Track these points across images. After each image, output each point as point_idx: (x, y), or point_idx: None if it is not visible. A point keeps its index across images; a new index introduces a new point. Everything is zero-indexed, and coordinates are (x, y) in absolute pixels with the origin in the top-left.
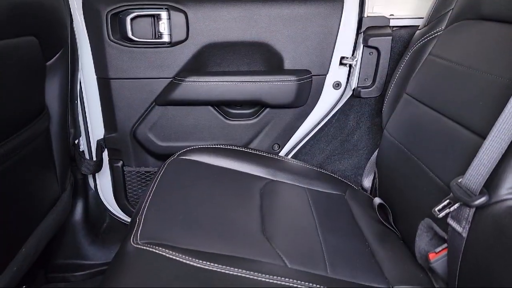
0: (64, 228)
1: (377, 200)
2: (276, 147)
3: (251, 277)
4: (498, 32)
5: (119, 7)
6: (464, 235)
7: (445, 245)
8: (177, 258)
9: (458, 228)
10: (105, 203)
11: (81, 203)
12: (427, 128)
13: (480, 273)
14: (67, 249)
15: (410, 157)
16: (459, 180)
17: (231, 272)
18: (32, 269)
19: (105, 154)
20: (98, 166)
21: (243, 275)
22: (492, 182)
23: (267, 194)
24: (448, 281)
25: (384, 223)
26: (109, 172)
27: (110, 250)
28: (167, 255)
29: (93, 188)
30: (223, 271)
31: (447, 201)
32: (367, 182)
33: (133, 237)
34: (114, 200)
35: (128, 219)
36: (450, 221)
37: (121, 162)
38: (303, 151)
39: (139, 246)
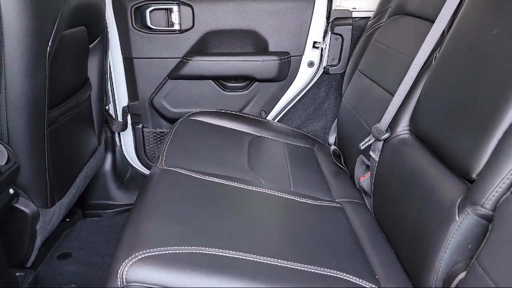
0: (97, 176)
1: (332, 147)
2: (263, 113)
3: (239, 186)
4: (413, 25)
5: (141, 2)
6: (376, 159)
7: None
8: (190, 174)
9: (374, 156)
10: (128, 158)
11: (110, 156)
12: (366, 94)
13: (383, 185)
14: (99, 192)
15: (355, 115)
16: (377, 125)
17: (226, 183)
18: (73, 208)
19: (129, 118)
20: (125, 126)
21: (234, 185)
22: (393, 124)
23: (253, 145)
24: (371, 195)
25: (338, 164)
26: (131, 132)
27: (132, 194)
28: (184, 172)
29: (119, 145)
30: (221, 182)
31: (368, 138)
32: (332, 139)
33: (159, 164)
34: (135, 155)
35: (146, 171)
36: (370, 152)
37: (141, 124)
38: (286, 117)
39: (164, 168)
